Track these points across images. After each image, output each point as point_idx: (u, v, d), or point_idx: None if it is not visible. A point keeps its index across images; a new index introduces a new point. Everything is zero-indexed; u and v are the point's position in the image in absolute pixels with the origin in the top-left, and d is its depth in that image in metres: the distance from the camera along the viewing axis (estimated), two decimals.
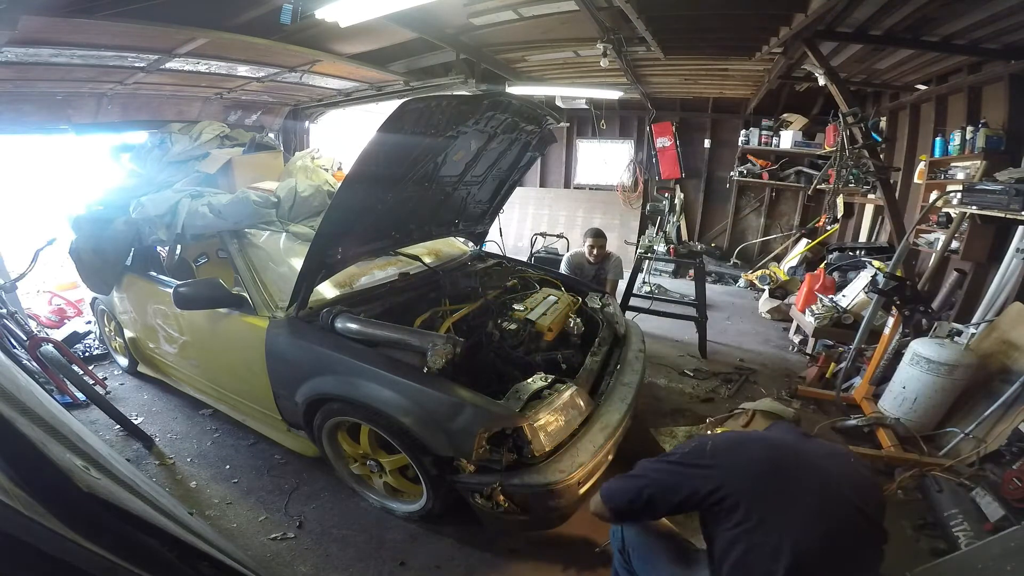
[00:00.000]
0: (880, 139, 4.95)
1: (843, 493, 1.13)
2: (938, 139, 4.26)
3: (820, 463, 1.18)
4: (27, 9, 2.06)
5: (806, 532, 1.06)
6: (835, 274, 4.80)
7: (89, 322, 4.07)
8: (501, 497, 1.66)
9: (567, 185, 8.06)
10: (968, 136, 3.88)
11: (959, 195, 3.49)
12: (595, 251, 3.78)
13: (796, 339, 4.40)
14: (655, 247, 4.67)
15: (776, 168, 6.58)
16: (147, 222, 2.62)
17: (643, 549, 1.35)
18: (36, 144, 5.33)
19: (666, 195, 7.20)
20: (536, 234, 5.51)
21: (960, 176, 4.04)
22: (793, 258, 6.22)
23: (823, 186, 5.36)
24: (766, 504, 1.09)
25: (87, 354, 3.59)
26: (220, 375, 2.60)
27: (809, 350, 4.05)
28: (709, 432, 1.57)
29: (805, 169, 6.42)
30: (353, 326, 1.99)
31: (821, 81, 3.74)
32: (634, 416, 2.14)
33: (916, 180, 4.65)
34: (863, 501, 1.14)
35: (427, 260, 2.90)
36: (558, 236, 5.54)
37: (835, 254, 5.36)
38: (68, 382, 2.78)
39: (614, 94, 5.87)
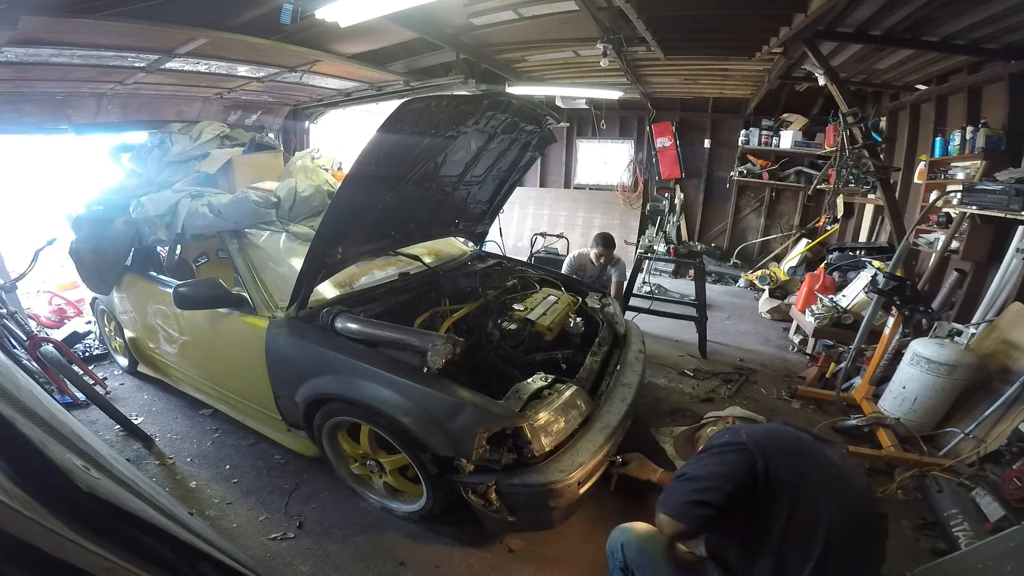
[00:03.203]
0: (880, 139, 4.95)
1: (859, 485, 1.19)
2: (938, 139, 4.26)
3: (833, 455, 1.23)
4: (27, 9, 2.06)
5: (836, 518, 1.08)
6: (835, 274, 4.80)
7: (89, 322, 4.07)
8: (494, 495, 1.66)
9: (567, 185, 8.06)
10: (968, 136, 3.87)
11: (959, 195, 3.49)
12: (602, 259, 3.80)
13: (796, 339, 4.40)
14: (655, 247, 4.72)
15: (776, 168, 6.58)
16: (147, 222, 2.62)
17: (647, 565, 1.34)
18: (36, 144, 5.33)
19: (666, 195, 7.20)
20: (536, 234, 5.51)
21: (960, 176, 4.04)
22: (793, 258, 6.22)
23: (823, 186, 5.36)
24: (802, 489, 1.11)
25: (87, 354, 3.59)
26: (220, 375, 2.60)
27: (809, 350, 4.05)
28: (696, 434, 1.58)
29: (805, 169, 6.42)
30: (353, 326, 1.99)
31: (821, 81, 3.74)
32: (634, 416, 2.14)
33: (916, 180, 4.64)
34: (872, 495, 1.21)
35: (427, 260, 2.90)
36: (558, 236, 5.54)
37: (835, 254, 5.36)
38: (68, 382, 2.78)
39: (614, 94, 5.87)
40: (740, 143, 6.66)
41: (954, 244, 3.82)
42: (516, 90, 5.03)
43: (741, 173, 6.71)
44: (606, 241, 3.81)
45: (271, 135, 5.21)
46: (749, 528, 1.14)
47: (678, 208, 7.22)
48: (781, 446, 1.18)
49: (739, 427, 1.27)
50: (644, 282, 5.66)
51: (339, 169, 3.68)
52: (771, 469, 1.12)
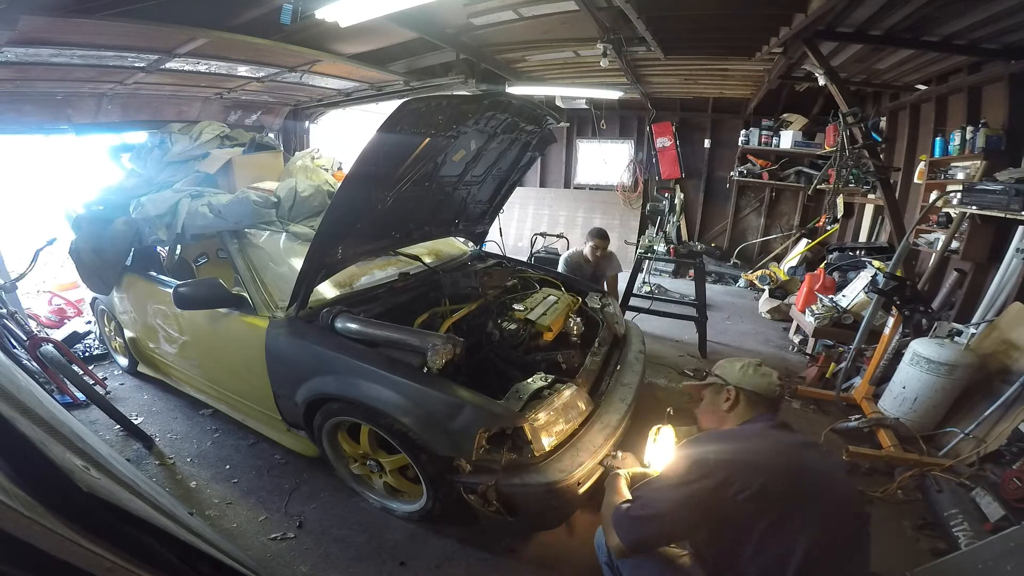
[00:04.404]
0: (880, 139, 4.96)
1: (841, 491, 1.18)
2: (938, 139, 4.26)
3: (811, 460, 1.21)
4: (27, 9, 2.06)
5: (817, 527, 1.07)
6: (835, 274, 4.80)
7: (89, 322, 4.07)
8: (493, 496, 1.66)
9: (567, 185, 8.05)
10: (968, 136, 3.88)
11: (959, 195, 3.49)
12: (598, 252, 3.77)
13: (796, 339, 4.40)
14: (655, 247, 4.76)
15: (776, 168, 6.57)
16: (147, 222, 2.62)
17: (630, 560, 1.34)
18: (36, 144, 5.33)
19: (666, 195, 7.19)
20: (536, 234, 5.51)
21: (960, 176, 4.04)
22: (793, 258, 6.22)
23: (823, 186, 5.36)
24: (777, 507, 1.09)
25: (87, 354, 3.59)
26: (220, 375, 2.60)
27: (809, 350, 4.05)
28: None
29: (805, 169, 6.42)
30: (353, 326, 1.99)
31: (821, 81, 3.74)
32: (633, 416, 2.14)
33: (916, 180, 4.64)
34: (853, 495, 1.22)
35: (427, 260, 2.90)
36: (558, 236, 5.54)
37: (835, 254, 5.36)
38: (68, 382, 2.78)
39: (614, 94, 5.87)
40: (740, 143, 6.65)
41: (954, 244, 3.82)
42: (516, 90, 5.03)
43: (741, 173, 6.71)
44: (601, 233, 3.79)
45: (271, 135, 5.21)
46: (725, 539, 1.13)
47: (678, 208, 7.21)
48: (755, 467, 1.13)
49: (708, 447, 1.20)
50: (644, 282, 5.66)
51: (339, 169, 3.67)
52: (742, 490, 1.09)
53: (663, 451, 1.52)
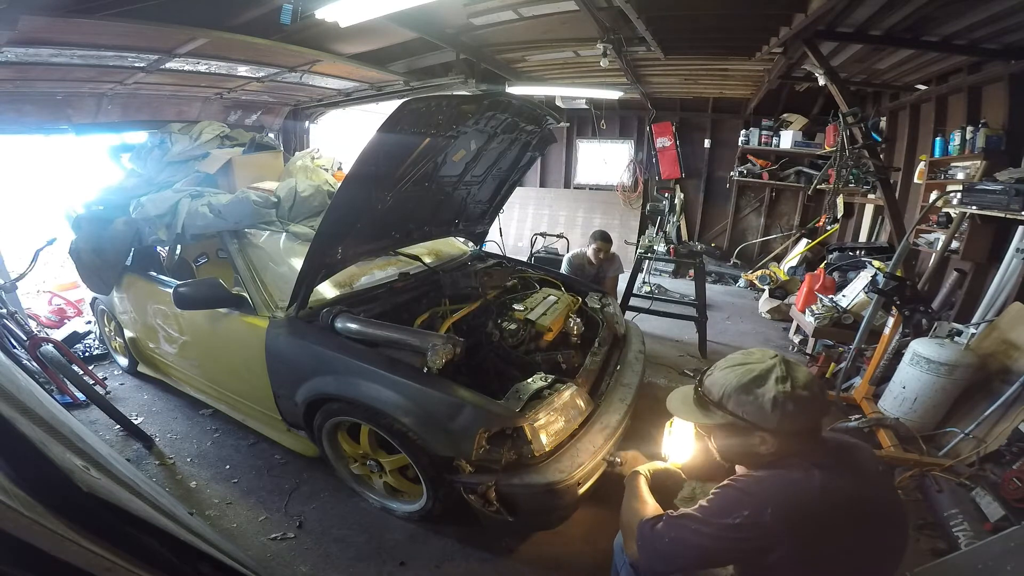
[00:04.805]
0: (880, 139, 4.96)
1: (893, 539, 1.12)
2: (938, 139, 4.26)
3: (868, 500, 1.08)
4: (27, 9, 2.06)
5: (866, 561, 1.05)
6: (835, 274, 4.80)
7: (89, 322, 4.07)
8: (493, 496, 1.66)
9: (567, 185, 8.05)
10: (968, 136, 3.88)
11: (959, 195, 3.49)
12: (601, 255, 3.79)
13: (796, 339, 4.40)
14: (655, 247, 4.76)
15: (776, 168, 6.57)
16: (147, 222, 2.62)
17: None
18: (36, 144, 5.33)
19: (666, 195, 7.17)
20: (536, 234, 5.51)
21: (960, 176, 4.04)
22: (793, 258, 6.22)
23: (823, 186, 5.35)
24: (822, 567, 1.03)
25: (87, 354, 3.59)
26: (220, 375, 2.60)
27: (809, 350, 4.05)
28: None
29: (805, 169, 6.42)
30: (353, 326, 1.99)
31: (821, 81, 3.74)
32: (633, 416, 2.14)
33: (916, 180, 4.64)
34: (905, 537, 1.16)
35: (427, 260, 2.90)
36: (558, 236, 5.54)
37: (835, 254, 5.36)
38: (68, 382, 2.78)
39: (614, 94, 5.87)
40: (740, 143, 6.65)
41: (954, 244, 3.82)
42: (516, 90, 5.03)
43: (741, 173, 6.71)
44: (604, 236, 3.81)
45: (271, 135, 5.21)
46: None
47: (678, 208, 7.21)
48: (808, 536, 0.99)
49: (761, 508, 1.00)
50: (644, 282, 5.66)
51: (339, 169, 3.67)
52: (784, 560, 1.00)
53: (680, 442, 1.49)
